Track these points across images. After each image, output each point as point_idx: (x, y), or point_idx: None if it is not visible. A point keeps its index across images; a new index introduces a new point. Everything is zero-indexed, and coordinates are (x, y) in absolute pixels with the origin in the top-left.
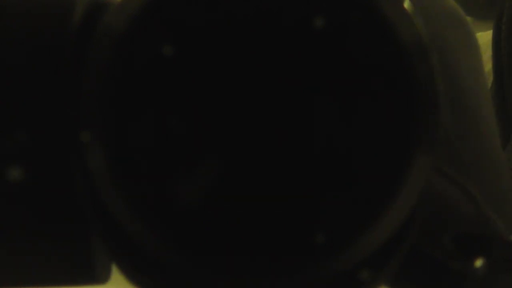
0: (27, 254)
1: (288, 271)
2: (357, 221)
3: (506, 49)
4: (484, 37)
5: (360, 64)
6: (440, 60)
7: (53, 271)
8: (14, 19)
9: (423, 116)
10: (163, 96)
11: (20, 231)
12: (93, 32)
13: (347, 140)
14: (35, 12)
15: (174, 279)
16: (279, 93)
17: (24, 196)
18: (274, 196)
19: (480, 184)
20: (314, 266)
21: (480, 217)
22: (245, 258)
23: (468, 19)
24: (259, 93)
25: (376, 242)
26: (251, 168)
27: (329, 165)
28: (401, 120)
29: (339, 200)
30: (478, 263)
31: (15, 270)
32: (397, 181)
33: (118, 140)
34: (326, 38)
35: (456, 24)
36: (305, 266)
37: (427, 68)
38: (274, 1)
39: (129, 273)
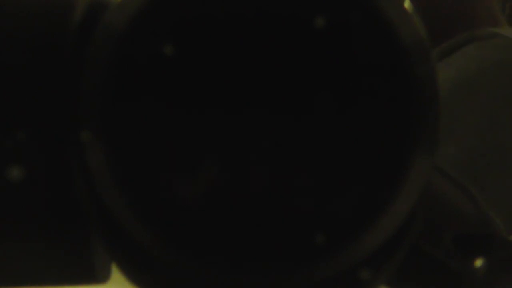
0: (27, 254)
1: (288, 271)
2: (357, 221)
3: None
4: None
5: (361, 64)
6: None
7: (53, 271)
8: (14, 19)
9: (423, 116)
10: (163, 95)
11: (20, 231)
12: (93, 32)
13: (347, 139)
14: (35, 12)
15: (174, 279)
16: (280, 92)
17: (24, 196)
18: (274, 196)
19: None
20: (314, 266)
21: (480, 217)
22: (245, 258)
23: None
24: (260, 92)
25: (376, 242)
26: (251, 168)
27: (329, 164)
28: (401, 120)
29: (339, 200)
30: (478, 263)
31: (15, 270)
32: (397, 181)
33: (118, 140)
34: (327, 38)
35: None
36: (305, 266)
37: (427, 68)
38: (276, 0)
39: (129, 273)
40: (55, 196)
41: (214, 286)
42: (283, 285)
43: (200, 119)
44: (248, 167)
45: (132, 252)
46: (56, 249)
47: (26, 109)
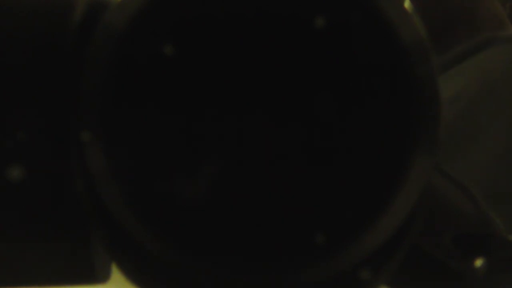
0: (27, 254)
1: (288, 271)
2: (357, 221)
3: None
4: None
5: (361, 63)
6: None
7: (53, 271)
8: (14, 19)
9: (423, 116)
10: (163, 95)
11: (20, 231)
12: (93, 32)
13: (347, 139)
14: (35, 12)
15: (174, 279)
16: (280, 92)
17: (24, 196)
18: (274, 196)
19: None
20: (314, 266)
21: (480, 217)
22: (245, 258)
23: None
24: (260, 92)
25: (376, 242)
26: (251, 168)
27: (329, 164)
28: (401, 120)
29: (339, 200)
30: (478, 263)
31: (15, 270)
32: (397, 181)
33: (118, 140)
34: (327, 38)
35: None
36: (305, 266)
37: (427, 68)
38: (276, 0)
39: (129, 273)
40: (55, 196)
41: (214, 286)
42: (283, 285)
43: (201, 119)
44: (248, 167)
45: (132, 252)
46: (56, 249)
47: (26, 109)
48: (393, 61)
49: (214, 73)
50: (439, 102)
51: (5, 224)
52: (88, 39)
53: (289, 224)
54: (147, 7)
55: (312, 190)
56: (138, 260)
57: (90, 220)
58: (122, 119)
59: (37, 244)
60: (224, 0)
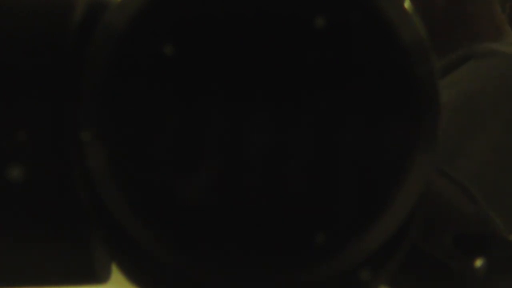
0: (28, 254)
1: (289, 271)
2: (357, 221)
3: None
4: None
5: (361, 63)
6: None
7: (53, 271)
8: (14, 19)
9: (423, 116)
10: (163, 95)
11: (21, 231)
12: (93, 32)
13: (347, 140)
14: (35, 12)
15: (174, 279)
16: (280, 93)
17: (24, 196)
18: (275, 196)
19: None
20: (314, 266)
21: (480, 217)
22: (245, 258)
23: None
24: (260, 93)
25: (376, 242)
26: (251, 168)
27: (330, 165)
28: (401, 120)
29: (340, 200)
30: (478, 263)
31: (15, 270)
32: (397, 181)
33: (118, 140)
34: (327, 38)
35: None
36: (305, 266)
37: (427, 68)
38: (276, 0)
39: (129, 273)
40: (55, 196)
41: (214, 286)
42: (283, 285)
43: (201, 118)
44: (248, 167)
45: (132, 252)
46: (56, 249)
47: (26, 109)
48: (393, 61)
49: (214, 73)
50: (439, 102)
51: (5, 224)
52: (88, 39)
53: (290, 224)
54: (147, 7)
55: (313, 190)
56: (138, 260)
57: (90, 220)
58: (122, 118)
59: (37, 244)
60: (224, 0)
